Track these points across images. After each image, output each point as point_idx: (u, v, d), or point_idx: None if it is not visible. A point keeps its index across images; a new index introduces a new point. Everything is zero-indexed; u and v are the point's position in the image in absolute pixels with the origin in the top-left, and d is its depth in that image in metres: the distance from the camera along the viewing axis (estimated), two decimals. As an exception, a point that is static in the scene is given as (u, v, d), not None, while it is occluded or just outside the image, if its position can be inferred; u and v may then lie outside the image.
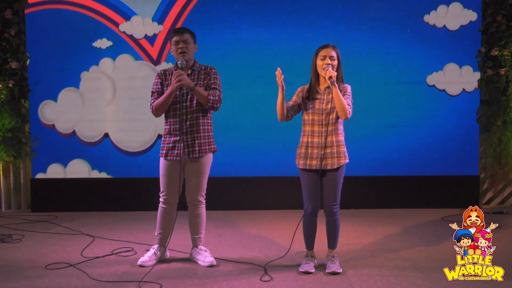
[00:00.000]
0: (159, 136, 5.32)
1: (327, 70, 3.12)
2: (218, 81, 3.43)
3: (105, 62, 5.35)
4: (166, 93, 3.30)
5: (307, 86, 3.32)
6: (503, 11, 5.03)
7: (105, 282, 3.13)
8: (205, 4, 5.25)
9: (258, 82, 5.27)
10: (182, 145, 3.36)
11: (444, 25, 5.20)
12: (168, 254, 3.63)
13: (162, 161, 3.46)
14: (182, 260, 3.59)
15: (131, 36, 5.34)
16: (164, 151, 3.43)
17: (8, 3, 5.16)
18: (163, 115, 3.43)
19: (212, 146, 3.48)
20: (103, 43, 5.31)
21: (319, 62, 3.20)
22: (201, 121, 3.39)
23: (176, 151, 3.38)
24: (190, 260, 3.56)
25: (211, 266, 3.42)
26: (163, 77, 3.44)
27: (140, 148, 5.40)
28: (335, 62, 3.19)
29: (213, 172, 5.28)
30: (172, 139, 3.40)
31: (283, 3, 5.23)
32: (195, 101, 3.36)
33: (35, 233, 4.41)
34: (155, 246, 3.54)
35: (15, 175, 5.42)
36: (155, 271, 3.30)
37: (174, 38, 3.36)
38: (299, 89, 3.35)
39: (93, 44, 5.31)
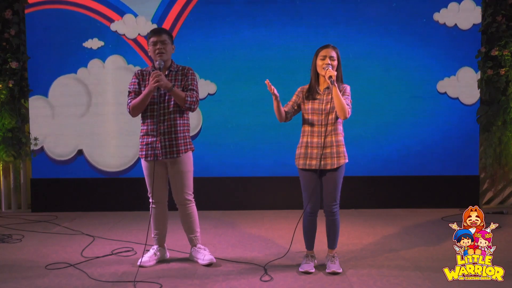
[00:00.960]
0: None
1: (327, 69, 3.12)
2: (195, 82, 3.42)
3: (95, 63, 5.32)
4: (144, 93, 3.29)
5: (306, 86, 3.33)
6: (503, 11, 5.03)
7: (105, 282, 3.13)
8: (205, 4, 5.25)
9: (258, 82, 5.25)
10: (159, 145, 3.36)
11: (444, 23, 5.20)
12: (168, 254, 3.64)
13: (142, 162, 3.47)
14: (182, 260, 3.59)
15: (124, 36, 5.32)
16: (144, 152, 3.43)
17: (8, 3, 5.16)
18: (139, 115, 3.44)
19: (190, 146, 3.48)
20: (99, 43, 5.31)
21: (319, 62, 3.21)
22: (178, 121, 3.39)
23: (154, 151, 3.38)
24: (190, 260, 3.56)
25: (210, 264, 3.42)
26: (140, 77, 3.44)
27: (119, 168, 5.36)
28: (335, 62, 3.20)
29: (213, 172, 5.34)
30: (150, 139, 3.40)
31: (283, 3, 5.23)
32: (172, 102, 3.36)
33: (35, 233, 4.41)
34: (155, 247, 3.55)
35: (15, 175, 5.42)
36: (155, 271, 3.30)
37: (152, 39, 3.35)
38: (299, 89, 3.35)
39: (89, 44, 5.31)
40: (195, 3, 5.25)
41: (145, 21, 5.29)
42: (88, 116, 5.34)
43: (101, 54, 5.31)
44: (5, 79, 5.16)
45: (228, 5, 5.24)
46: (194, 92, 3.38)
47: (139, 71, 3.47)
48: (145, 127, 3.42)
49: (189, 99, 3.32)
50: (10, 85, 5.17)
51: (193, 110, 3.39)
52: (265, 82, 3.10)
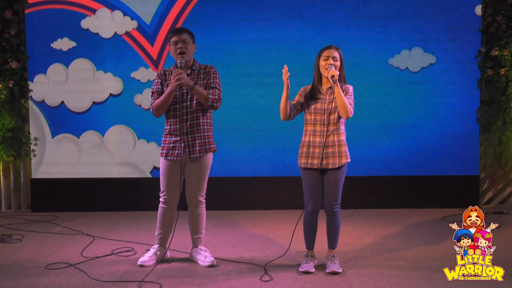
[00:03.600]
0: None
1: (329, 69, 3.14)
2: (217, 81, 3.42)
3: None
4: (166, 92, 3.30)
5: (309, 86, 3.35)
6: (503, 11, 5.03)
7: (105, 282, 3.13)
8: (205, 4, 5.25)
9: (258, 82, 5.27)
10: (182, 145, 3.36)
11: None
12: (168, 254, 3.63)
13: (162, 161, 3.46)
14: (182, 260, 3.59)
15: (96, 35, 5.30)
16: (165, 151, 3.43)
17: (8, 3, 5.16)
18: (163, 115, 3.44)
19: (212, 146, 3.48)
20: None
21: (322, 63, 3.23)
22: (201, 120, 3.39)
23: (176, 151, 3.38)
24: (190, 260, 3.56)
25: (211, 266, 3.42)
26: (163, 77, 3.44)
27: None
28: (338, 63, 3.22)
29: (213, 172, 5.29)
30: (172, 139, 3.40)
31: (283, 3, 5.23)
32: (195, 101, 3.36)
33: (35, 233, 4.41)
34: (155, 246, 3.55)
35: (15, 175, 5.42)
36: (155, 271, 3.30)
37: (173, 38, 3.36)
38: (302, 89, 3.37)
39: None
40: (195, 3, 5.25)
41: (113, 16, 5.26)
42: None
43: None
44: (5, 79, 5.17)
45: (228, 5, 5.24)
46: (217, 90, 3.37)
47: (161, 72, 3.47)
48: (168, 127, 3.42)
49: (211, 97, 3.32)
50: (10, 85, 5.17)
51: (215, 108, 3.38)
52: (283, 70, 3.12)
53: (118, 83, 5.36)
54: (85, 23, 5.31)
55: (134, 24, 5.30)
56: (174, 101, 3.36)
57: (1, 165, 5.37)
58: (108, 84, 5.36)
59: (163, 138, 3.47)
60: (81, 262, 3.52)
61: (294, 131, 5.05)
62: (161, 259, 3.54)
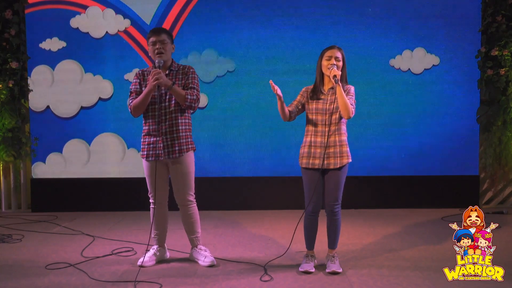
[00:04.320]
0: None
1: (331, 69, 3.15)
2: (196, 81, 3.42)
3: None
4: (144, 92, 3.29)
5: (311, 86, 3.35)
6: (503, 11, 5.03)
7: (105, 282, 3.13)
8: (205, 4, 5.25)
9: (258, 82, 5.27)
10: (161, 145, 3.36)
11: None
12: (168, 254, 3.64)
13: (144, 162, 3.47)
14: (182, 260, 3.59)
15: (87, 33, 5.25)
16: (145, 152, 3.43)
17: (8, 3, 5.16)
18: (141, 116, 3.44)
19: (191, 145, 3.47)
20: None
21: (324, 63, 3.23)
22: (179, 121, 3.38)
23: (156, 151, 3.38)
24: (190, 260, 3.56)
25: (211, 266, 3.42)
26: (141, 77, 3.43)
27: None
28: (340, 63, 3.23)
29: (213, 172, 5.34)
30: (151, 139, 3.40)
31: (283, 3, 5.23)
32: (173, 101, 3.36)
33: (35, 233, 4.41)
34: (155, 247, 3.55)
35: (15, 175, 5.42)
36: (155, 271, 3.30)
37: (151, 39, 3.35)
38: (304, 89, 3.37)
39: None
40: (195, 3, 5.25)
41: (104, 14, 5.21)
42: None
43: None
44: (5, 79, 5.17)
45: (228, 5, 5.24)
46: (195, 91, 3.37)
47: (139, 72, 3.46)
48: (146, 127, 3.42)
49: (189, 97, 3.32)
50: (10, 85, 5.17)
51: (194, 108, 3.38)
52: (269, 82, 3.12)
53: (108, 86, 5.30)
54: (74, 22, 5.26)
55: (127, 23, 5.26)
56: (153, 101, 3.36)
57: (1, 165, 5.37)
58: (98, 87, 5.28)
59: (142, 139, 3.46)
60: (81, 262, 3.52)
61: (294, 131, 5.07)
62: (161, 259, 3.54)
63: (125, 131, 5.34)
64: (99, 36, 5.29)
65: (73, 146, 5.37)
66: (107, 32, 5.29)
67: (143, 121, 3.45)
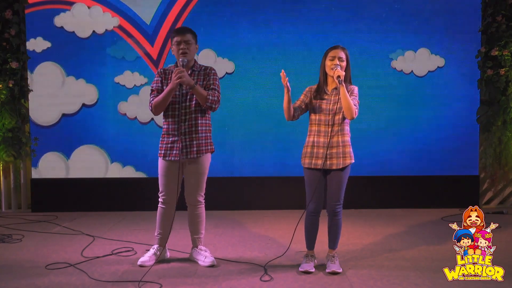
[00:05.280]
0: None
1: (335, 70, 3.14)
2: (217, 82, 3.42)
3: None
4: (166, 90, 3.29)
5: (315, 86, 3.35)
6: (503, 11, 5.03)
7: (105, 282, 3.13)
8: (205, 4, 5.25)
9: (258, 82, 5.27)
10: (180, 145, 3.36)
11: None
12: (168, 254, 3.64)
13: (160, 161, 3.46)
14: (182, 260, 3.59)
15: (72, 33, 5.14)
16: (163, 151, 3.42)
17: (8, 3, 5.15)
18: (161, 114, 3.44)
19: (210, 147, 3.47)
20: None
21: (327, 63, 3.23)
22: (199, 121, 3.38)
23: (174, 151, 3.38)
24: (190, 260, 3.56)
25: (211, 266, 3.42)
26: (163, 75, 3.44)
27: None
28: (344, 63, 3.22)
29: (213, 172, 5.30)
30: (170, 139, 3.40)
31: (283, 3, 5.23)
32: (194, 102, 3.36)
33: (35, 233, 4.41)
34: (155, 246, 3.55)
35: (15, 175, 5.42)
36: (155, 271, 3.30)
37: (176, 38, 3.35)
38: (307, 88, 3.37)
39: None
40: (195, 3, 5.25)
41: (91, 12, 5.07)
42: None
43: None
44: (5, 79, 5.16)
45: (228, 5, 5.24)
46: (216, 92, 3.37)
47: (161, 70, 3.47)
48: (166, 126, 3.42)
49: (210, 97, 3.32)
50: (10, 85, 5.16)
51: (214, 109, 3.38)
52: (280, 74, 3.10)
53: (92, 90, 5.20)
54: (58, 20, 5.18)
55: (115, 21, 5.19)
56: (174, 100, 3.36)
57: (1, 165, 5.36)
58: (81, 91, 5.16)
59: (160, 138, 3.46)
60: (81, 262, 3.52)
61: (295, 131, 5.06)
62: (161, 259, 3.54)
63: (109, 142, 5.24)
64: (85, 35, 5.19)
65: (48, 162, 5.26)
66: (94, 31, 5.22)
67: (163, 120, 3.44)
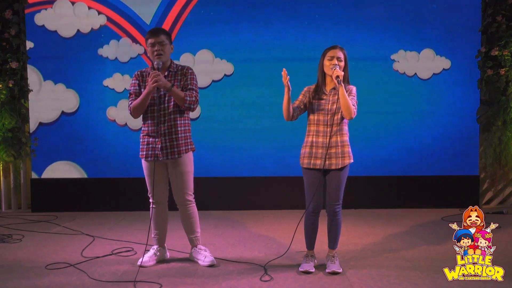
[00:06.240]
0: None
1: (334, 70, 3.14)
2: (194, 82, 3.42)
3: None
4: (143, 94, 3.29)
5: (313, 86, 3.34)
6: (503, 11, 5.03)
7: (105, 282, 3.13)
8: (205, 4, 5.25)
9: (258, 82, 5.27)
10: (160, 146, 3.36)
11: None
12: (168, 254, 3.64)
13: (143, 162, 3.47)
14: (182, 260, 3.59)
15: (52, 33, 5.08)
16: (144, 153, 3.43)
17: (8, 3, 5.16)
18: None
19: (190, 146, 3.47)
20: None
21: (326, 63, 3.22)
22: (178, 122, 3.38)
23: (156, 152, 3.38)
24: (190, 260, 3.57)
25: (211, 265, 3.42)
26: (140, 78, 3.43)
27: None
28: (342, 63, 3.22)
29: (213, 172, 5.34)
30: (150, 140, 3.40)
31: (283, 3, 5.23)
32: (172, 103, 3.35)
33: (35, 233, 4.41)
34: (155, 247, 3.55)
35: (15, 175, 5.42)
36: (155, 271, 3.30)
37: (150, 40, 3.34)
38: (306, 88, 3.36)
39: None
40: (195, 3, 5.25)
41: (75, 9, 4.97)
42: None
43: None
44: (5, 79, 5.16)
45: (228, 5, 5.24)
46: (194, 92, 3.37)
47: (138, 72, 3.46)
48: (145, 128, 3.43)
49: (188, 98, 3.32)
50: (10, 85, 5.16)
51: (192, 109, 3.38)
52: (282, 72, 3.10)
53: (72, 96, 5.14)
54: (39, 18, 5.12)
55: (102, 19, 5.14)
56: (152, 102, 3.36)
57: (1, 165, 5.37)
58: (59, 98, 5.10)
59: (140, 139, 3.47)
60: (81, 262, 3.52)
61: (294, 131, 5.06)
62: (161, 259, 3.54)
63: (85, 156, 5.21)
64: (68, 35, 5.14)
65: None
66: (78, 30, 5.18)
67: (142, 122, 3.45)
